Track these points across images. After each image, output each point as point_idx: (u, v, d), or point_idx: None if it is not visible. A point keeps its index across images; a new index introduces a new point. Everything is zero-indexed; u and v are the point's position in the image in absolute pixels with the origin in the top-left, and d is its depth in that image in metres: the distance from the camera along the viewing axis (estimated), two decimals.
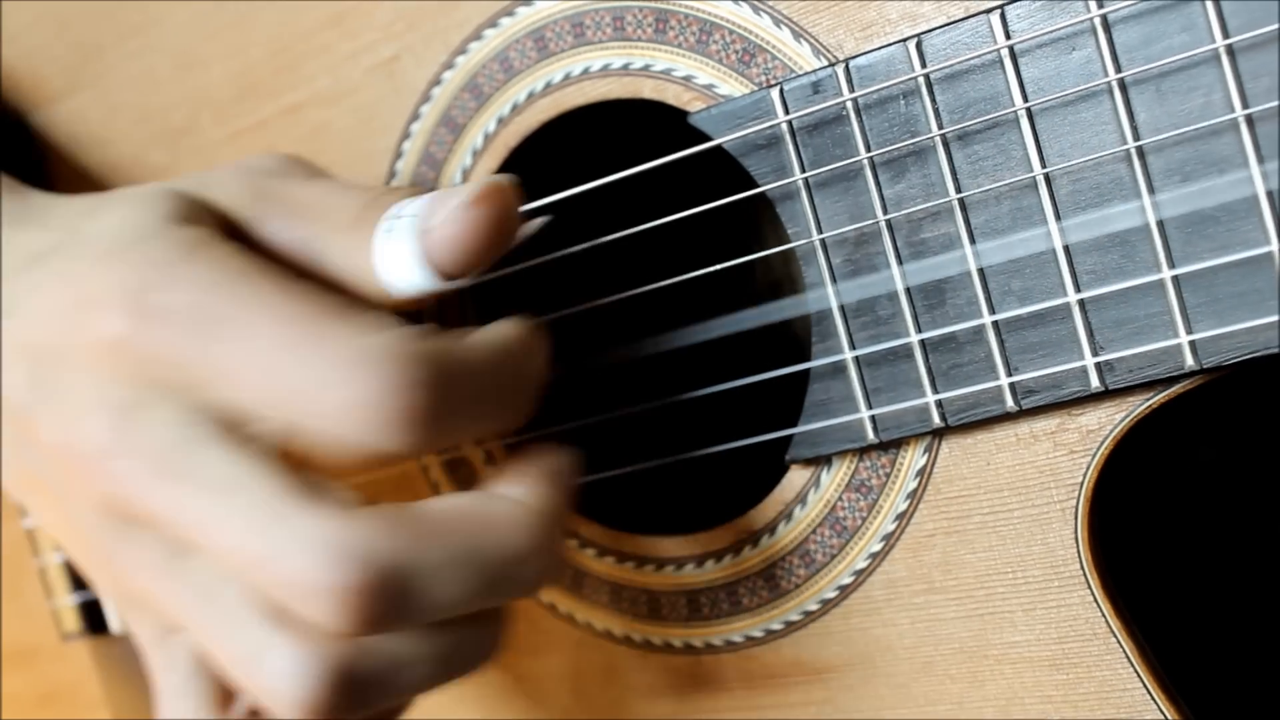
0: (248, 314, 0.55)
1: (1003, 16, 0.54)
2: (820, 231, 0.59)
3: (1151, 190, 0.53)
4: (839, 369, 0.60)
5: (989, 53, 0.55)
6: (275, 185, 0.62)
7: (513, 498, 0.58)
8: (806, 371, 0.61)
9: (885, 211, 0.58)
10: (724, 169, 0.63)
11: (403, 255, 0.58)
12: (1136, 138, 0.53)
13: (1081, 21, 0.53)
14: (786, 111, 0.59)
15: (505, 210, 0.58)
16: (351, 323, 0.55)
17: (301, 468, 0.55)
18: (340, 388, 0.53)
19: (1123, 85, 0.53)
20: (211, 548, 0.55)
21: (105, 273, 0.57)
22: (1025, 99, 0.55)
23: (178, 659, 0.61)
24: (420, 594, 0.54)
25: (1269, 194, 0.51)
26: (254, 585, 0.55)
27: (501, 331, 0.59)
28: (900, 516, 0.61)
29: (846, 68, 0.58)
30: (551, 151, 0.68)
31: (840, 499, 0.62)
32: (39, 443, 0.60)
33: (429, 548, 0.54)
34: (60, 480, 0.60)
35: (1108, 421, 0.56)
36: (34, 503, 0.65)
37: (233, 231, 0.61)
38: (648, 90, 0.64)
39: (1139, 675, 0.57)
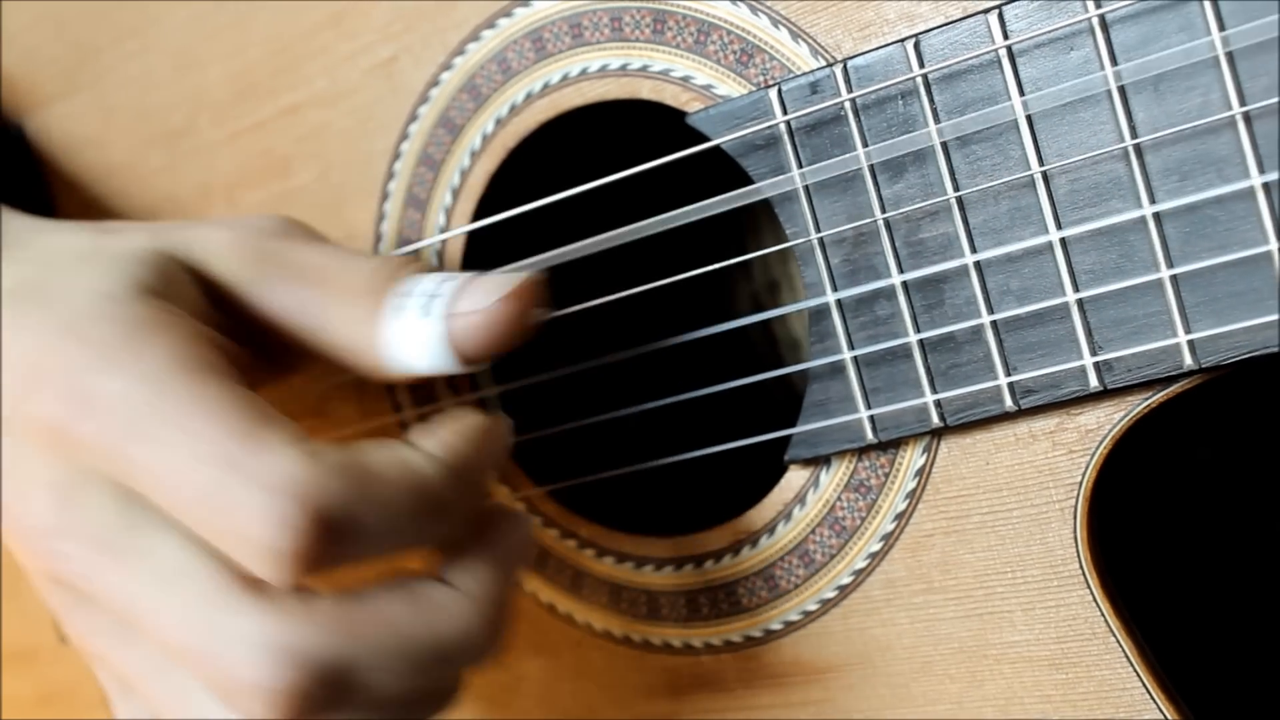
0: (175, 416, 0.54)
1: (1000, 17, 0.54)
2: (818, 231, 0.59)
3: (1150, 190, 0.53)
4: (838, 369, 0.60)
5: (987, 53, 0.55)
6: (277, 247, 0.62)
7: (456, 587, 0.57)
8: (803, 372, 0.61)
9: (883, 211, 0.58)
10: (722, 169, 0.63)
11: (424, 336, 0.58)
12: (1134, 137, 0.53)
13: (1079, 21, 0.53)
14: (785, 112, 0.59)
15: (533, 305, 0.59)
16: (268, 445, 0.53)
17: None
18: (239, 513, 0.53)
19: (1121, 85, 0.53)
20: (151, 635, 0.56)
21: (57, 348, 0.56)
22: (1023, 99, 0.55)
23: (138, 711, 0.62)
24: (357, 689, 0.54)
25: (1267, 193, 0.51)
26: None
27: (444, 451, 0.57)
28: (899, 516, 0.61)
29: (844, 68, 0.58)
30: (550, 152, 0.68)
31: (839, 499, 0.62)
32: None
33: (366, 646, 0.54)
34: (15, 544, 0.60)
35: (1106, 421, 0.56)
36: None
37: (219, 296, 0.61)
38: (646, 91, 0.64)
39: (1138, 675, 0.57)
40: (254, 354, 0.62)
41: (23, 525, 0.58)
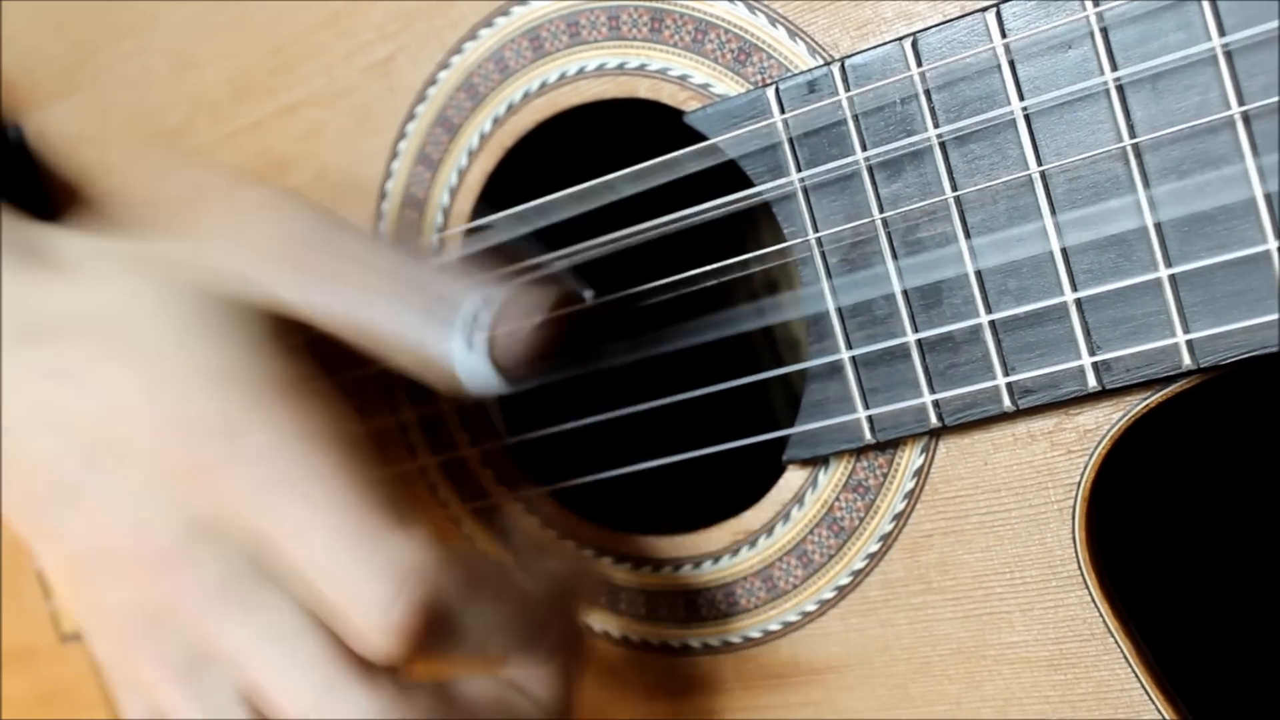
0: (322, 478, 0.57)
1: (998, 15, 0.54)
2: (816, 231, 0.59)
3: (1148, 189, 0.53)
4: (836, 369, 0.60)
5: (985, 51, 0.55)
6: (314, 257, 0.62)
7: (533, 695, 0.61)
8: (802, 372, 0.61)
9: (881, 211, 0.58)
10: (720, 168, 0.63)
11: (479, 362, 0.60)
12: (1133, 136, 0.53)
13: (1078, 20, 0.53)
14: (782, 111, 0.59)
15: (565, 321, 0.62)
16: (402, 528, 0.57)
17: None
18: (363, 583, 0.56)
19: (1119, 84, 0.53)
20: (262, 685, 0.57)
21: (216, 394, 0.58)
22: (1021, 98, 0.54)
23: None
24: None
25: (1266, 193, 0.51)
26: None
27: (550, 578, 0.62)
28: (898, 517, 0.61)
29: (842, 67, 0.57)
30: (547, 151, 0.68)
31: (838, 499, 0.62)
32: (83, 513, 0.60)
33: None
34: (99, 558, 0.61)
35: (1105, 421, 0.56)
36: (46, 550, 0.65)
37: (262, 313, 0.61)
38: (643, 90, 0.63)
39: (1137, 675, 0.57)
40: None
41: (134, 548, 0.59)
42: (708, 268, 0.63)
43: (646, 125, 0.65)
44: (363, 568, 0.56)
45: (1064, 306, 0.55)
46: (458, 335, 0.60)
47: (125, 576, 0.60)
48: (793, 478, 0.63)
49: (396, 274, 0.62)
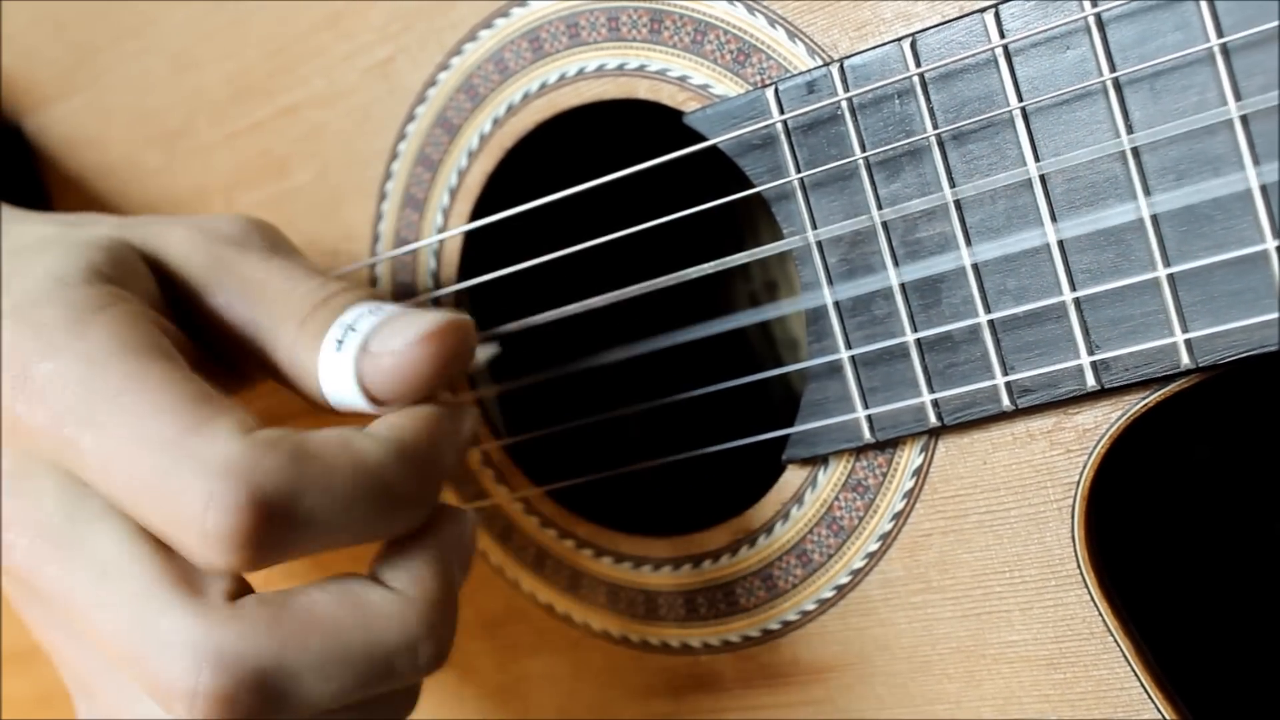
0: (114, 397, 0.53)
1: (997, 16, 0.54)
2: (816, 231, 0.59)
3: (1146, 189, 0.53)
4: (835, 368, 0.60)
5: (983, 52, 0.55)
6: (232, 256, 0.60)
7: (393, 588, 0.55)
8: (801, 372, 0.61)
9: (880, 211, 0.58)
10: (720, 169, 0.63)
11: (345, 373, 0.56)
12: (1131, 136, 0.53)
13: (1075, 20, 0.53)
14: (781, 111, 0.59)
15: (456, 350, 0.56)
16: (209, 426, 0.52)
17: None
18: (177, 496, 0.51)
19: (1117, 84, 0.53)
20: (87, 632, 0.55)
21: (8, 332, 0.56)
22: (1020, 98, 0.54)
23: (99, 711, 0.60)
24: (291, 696, 0.53)
25: (1264, 192, 0.51)
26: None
27: (392, 435, 0.55)
28: (897, 516, 0.61)
29: (841, 67, 0.58)
30: (547, 152, 0.68)
31: (837, 498, 0.62)
32: None
33: (299, 649, 0.53)
34: None
35: (1104, 420, 0.56)
36: None
37: (176, 294, 0.60)
38: (643, 90, 0.64)
39: (1136, 674, 0.57)
40: (210, 356, 0.61)
41: None
42: (708, 267, 0.63)
43: (646, 126, 0.66)
44: (174, 476, 0.51)
45: (1063, 306, 0.55)
46: (330, 342, 0.56)
47: None
48: (792, 477, 0.63)
49: (292, 280, 0.59)
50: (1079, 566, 0.58)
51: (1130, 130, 0.53)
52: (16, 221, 0.63)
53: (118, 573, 0.54)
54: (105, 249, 0.59)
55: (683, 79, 0.62)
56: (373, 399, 0.56)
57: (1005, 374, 0.57)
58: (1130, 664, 0.58)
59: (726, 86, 0.61)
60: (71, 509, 0.55)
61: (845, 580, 0.63)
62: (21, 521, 0.56)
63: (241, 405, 0.55)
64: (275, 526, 0.51)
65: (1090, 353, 0.55)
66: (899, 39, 0.56)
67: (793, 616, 0.65)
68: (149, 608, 0.53)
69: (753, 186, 0.60)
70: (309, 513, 0.52)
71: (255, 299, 0.59)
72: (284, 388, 0.60)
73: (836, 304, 0.60)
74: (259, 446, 0.52)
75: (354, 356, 0.56)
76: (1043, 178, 0.55)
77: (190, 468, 0.51)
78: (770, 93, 0.59)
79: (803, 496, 0.63)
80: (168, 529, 0.52)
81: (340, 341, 0.56)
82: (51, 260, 0.58)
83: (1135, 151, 0.53)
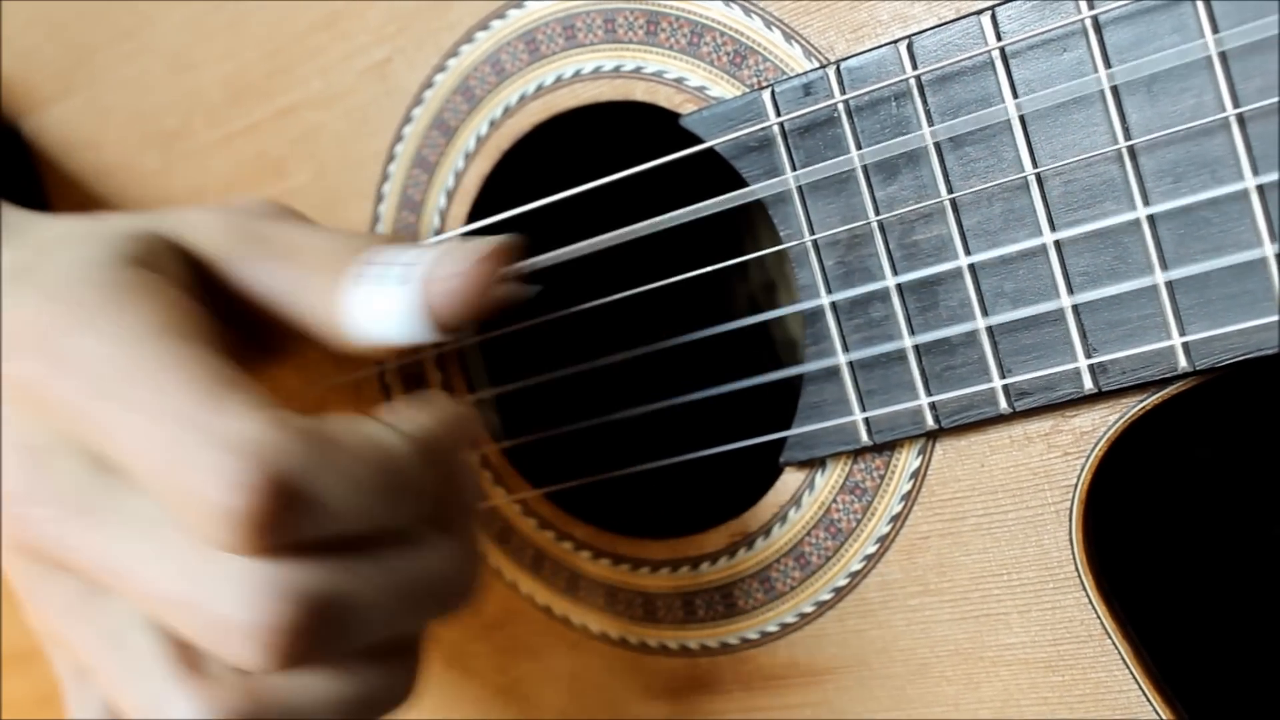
0: (142, 377, 0.54)
1: (994, 18, 0.54)
2: (812, 233, 0.59)
3: (1144, 191, 0.53)
4: (832, 371, 0.60)
5: (980, 54, 0.54)
6: (258, 226, 0.62)
7: (443, 537, 0.57)
8: (799, 374, 0.61)
9: (877, 213, 0.58)
10: (716, 171, 0.62)
11: (392, 304, 0.59)
12: (1128, 139, 0.53)
13: (1073, 23, 0.53)
14: (778, 113, 0.59)
15: (505, 269, 0.60)
16: (231, 406, 0.52)
17: None
18: (194, 474, 0.52)
19: (1114, 86, 0.52)
20: (129, 588, 0.55)
21: (39, 310, 0.56)
22: (1017, 100, 0.54)
23: (89, 702, 0.61)
24: (351, 625, 0.53)
25: (1261, 195, 0.50)
26: (168, 627, 0.55)
27: (412, 428, 0.56)
28: (895, 519, 0.61)
29: (838, 69, 0.57)
30: (543, 154, 0.68)
31: (835, 501, 0.62)
32: None
33: (359, 579, 0.54)
34: None
35: (1101, 423, 0.56)
36: None
37: (203, 276, 0.61)
38: (639, 92, 0.63)
39: (1134, 677, 0.57)
40: (241, 337, 0.62)
41: None
42: (706, 269, 0.63)
43: (643, 128, 0.65)
44: (192, 454, 0.51)
45: (1060, 309, 0.55)
46: (383, 278, 0.59)
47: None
48: (790, 480, 0.63)
49: (321, 235, 0.62)
50: (1077, 569, 0.58)
51: (1128, 133, 0.53)
52: (42, 221, 0.64)
53: (162, 527, 0.54)
54: (135, 237, 0.60)
55: (679, 81, 0.62)
56: (439, 323, 0.59)
57: (1003, 377, 0.57)
58: (1128, 666, 0.57)
59: (723, 88, 0.61)
60: (103, 481, 0.55)
61: (843, 583, 0.63)
62: (48, 495, 0.56)
63: (267, 390, 0.55)
64: (290, 510, 0.51)
65: (1088, 355, 0.55)
66: (896, 41, 0.56)
67: (791, 619, 0.64)
68: (200, 553, 0.53)
69: (749, 189, 0.60)
70: (326, 499, 0.52)
71: (284, 259, 0.61)
72: (313, 340, 0.62)
73: (834, 306, 0.60)
74: (281, 429, 0.52)
75: (409, 285, 0.59)
76: (1040, 180, 0.55)
77: (207, 445, 0.51)
78: (767, 95, 0.59)
79: (800, 499, 0.63)
80: (182, 508, 0.53)
81: (381, 278, 0.59)
82: (85, 249, 0.59)
83: (1133, 154, 0.53)
